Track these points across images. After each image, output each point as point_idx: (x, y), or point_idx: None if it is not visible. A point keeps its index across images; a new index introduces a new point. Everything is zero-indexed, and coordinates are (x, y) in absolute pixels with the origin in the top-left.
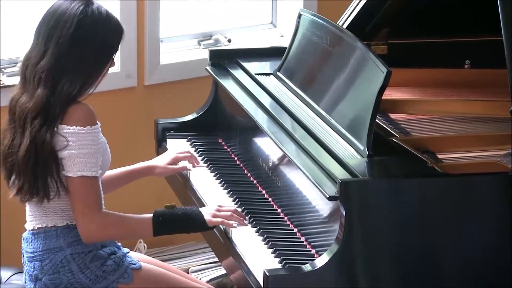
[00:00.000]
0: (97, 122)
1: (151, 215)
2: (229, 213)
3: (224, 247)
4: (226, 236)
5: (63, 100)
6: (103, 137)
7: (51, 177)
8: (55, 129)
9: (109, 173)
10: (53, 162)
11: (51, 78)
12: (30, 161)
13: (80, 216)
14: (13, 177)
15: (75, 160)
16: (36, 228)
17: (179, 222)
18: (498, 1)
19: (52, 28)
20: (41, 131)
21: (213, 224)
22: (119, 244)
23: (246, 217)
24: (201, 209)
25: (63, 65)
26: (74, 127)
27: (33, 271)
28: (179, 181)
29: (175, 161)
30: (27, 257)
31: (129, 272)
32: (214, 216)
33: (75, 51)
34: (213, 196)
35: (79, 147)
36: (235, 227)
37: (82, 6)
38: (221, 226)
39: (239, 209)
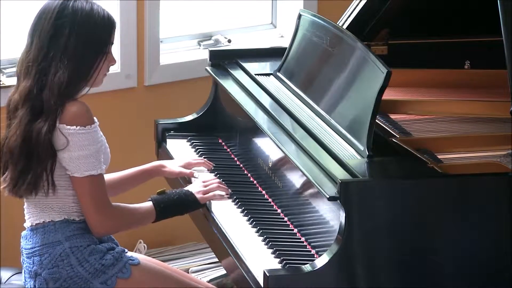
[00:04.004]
0: (95, 119)
1: (151, 203)
2: (215, 184)
3: (224, 246)
4: (225, 235)
5: (56, 92)
6: (102, 134)
7: (46, 173)
8: (55, 126)
9: (119, 174)
10: (50, 158)
11: (36, 68)
12: (18, 150)
13: (94, 213)
14: (7, 172)
15: (79, 161)
16: (34, 224)
17: (177, 207)
18: (498, 1)
19: (36, 24)
20: (36, 123)
21: (205, 201)
22: (116, 241)
23: (229, 190)
24: (188, 188)
25: (47, 54)
26: (74, 127)
27: (33, 267)
28: (181, 183)
29: (187, 166)
30: (26, 254)
31: (128, 267)
32: (203, 192)
33: (56, 40)
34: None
35: (82, 148)
36: (226, 198)
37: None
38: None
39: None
